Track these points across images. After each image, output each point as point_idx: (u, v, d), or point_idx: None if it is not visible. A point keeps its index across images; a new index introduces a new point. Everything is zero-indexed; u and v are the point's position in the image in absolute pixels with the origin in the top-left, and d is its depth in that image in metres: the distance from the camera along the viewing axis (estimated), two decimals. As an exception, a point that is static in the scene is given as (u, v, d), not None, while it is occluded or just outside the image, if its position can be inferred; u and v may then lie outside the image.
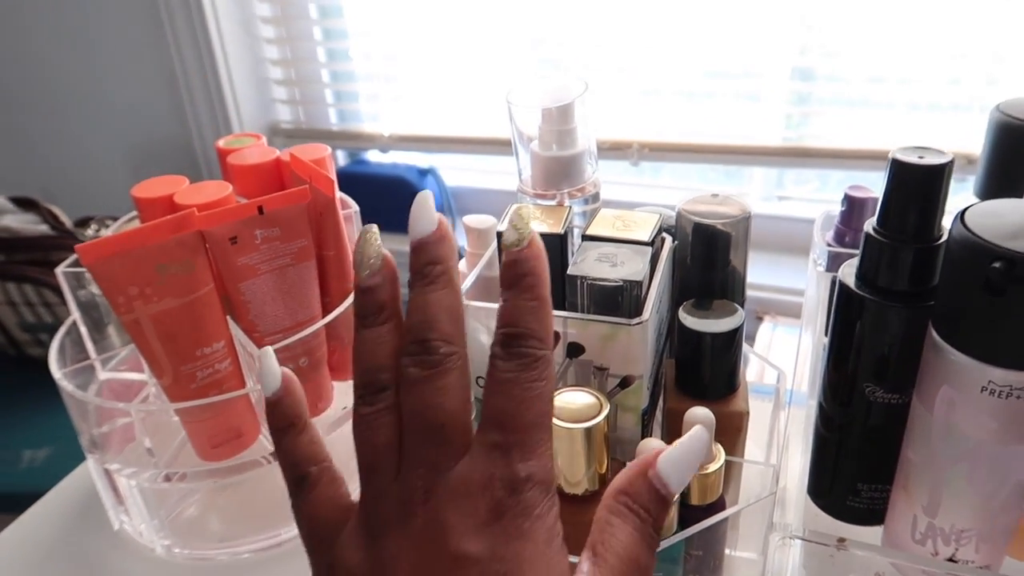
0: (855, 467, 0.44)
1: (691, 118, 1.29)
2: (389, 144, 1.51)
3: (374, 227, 0.31)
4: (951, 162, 0.36)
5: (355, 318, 0.30)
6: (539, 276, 0.28)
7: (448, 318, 0.28)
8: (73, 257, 0.57)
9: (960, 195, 0.38)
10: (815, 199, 1.31)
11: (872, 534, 0.45)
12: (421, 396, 0.27)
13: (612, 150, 1.28)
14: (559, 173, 0.53)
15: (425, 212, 0.30)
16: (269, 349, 0.32)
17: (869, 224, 0.39)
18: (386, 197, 1.46)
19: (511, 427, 0.27)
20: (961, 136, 1.13)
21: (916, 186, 0.37)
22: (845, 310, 0.41)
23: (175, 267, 0.47)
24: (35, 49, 1.64)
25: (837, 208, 0.56)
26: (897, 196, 0.37)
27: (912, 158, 0.37)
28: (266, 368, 0.31)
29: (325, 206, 0.52)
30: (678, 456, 0.28)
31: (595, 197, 0.55)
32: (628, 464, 0.29)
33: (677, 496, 0.41)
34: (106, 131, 1.68)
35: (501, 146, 1.42)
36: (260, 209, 0.48)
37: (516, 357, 0.27)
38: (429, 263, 0.29)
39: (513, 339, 0.28)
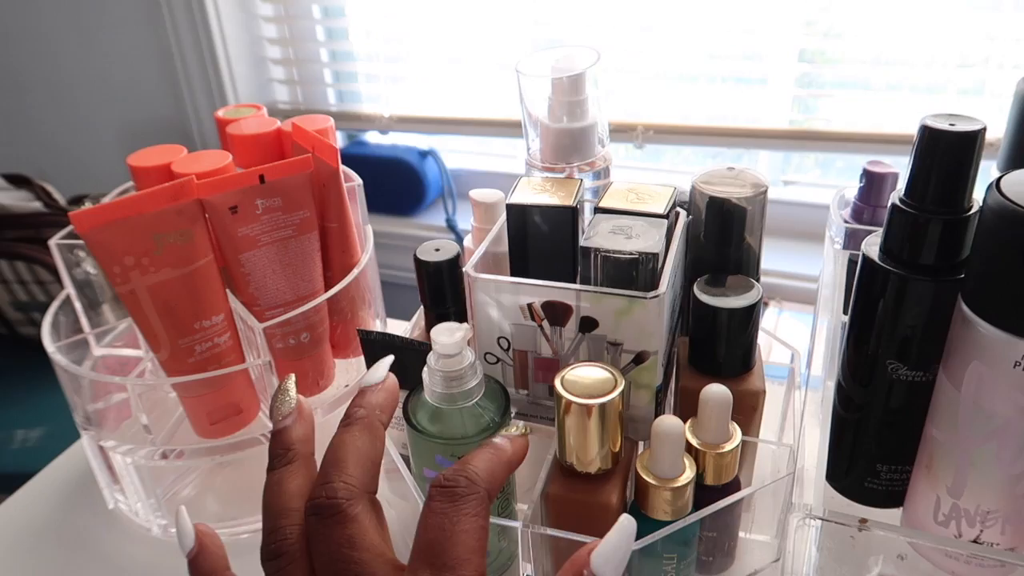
0: (875, 448, 0.42)
1: (697, 101, 1.27)
2: (389, 125, 1.48)
3: (291, 378, 0.34)
4: (984, 129, 0.35)
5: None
6: (511, 450, 0.32)
7: (357, 461, 0.30)
8: (67, 229, 0.56)
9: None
10: (820, 184, 1.29)
11: (889, 517, 0.44)
12: (328, 549, 0.28)
13: (617, 132, 1.26)
14: (569, 146, 0.51)
15: (380, 369, 0.34)
16: (182, 509, 0.32)
17: (895, 195, 0.38)
18: (386, 179, 1.45)
19: (440, 563, 0.27)
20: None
21: (947, 154, 0.35)
22: (869, 285, 0.39)
23: (173, 236, 0.45)
24: (30, 26, 1.61)
25: (844, 192, 0.55)
26: (927, 165, 0.36)
27: (943, 125, 0.35)
28: (179, 527, 0.32)
29: (328, 177, 0.50)
30: (610, 550, 0.29)
31: (605, 172, 0.53)
32: (562, 567, 0.30)
33: (692, 476, 0.40)
34: (101, 111, 1.65)
35: (503, 127, 1.40)
36: (261, 178, 0.47)
37: (448, 489, 0.29)
38: (358, 406, 0.32)
39: (453, 473, 0.30)
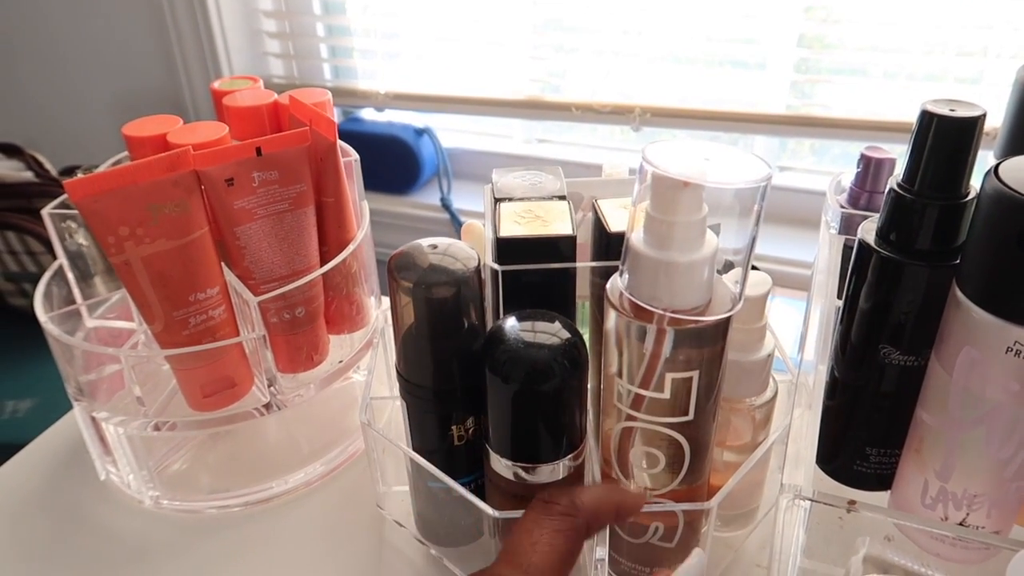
0: (865, 431, 0.43)
1: (695, 84, 1.27)
2: (385, 102, 1.48)
3: None
4: (984, 115, 0.35)
5: None
6: (624, 496, 0.35)
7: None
8: (60, 198, 0.55)
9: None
10: (815, 170, 1.30)
11: (877, 500, 0.44)
12: None
13: (614, 114, 1.26)
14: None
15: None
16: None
17: (893, 180, 0.38)
18: (381, 156, 1.44)
19: (516, 563, 0.29)
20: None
21: (947, 140, 0.35)
22: (864, 270, 0.40)
23: (169, 207, 0.45)
24: (20, -7, 1.58)
25: (841, 177, 0.54)
26: (926, 150, 0.36)
27: (944, 110, 0.35)
28: None
29: (326, 151, 0.50)
30: None
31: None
32: None
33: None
34: (93, 82, 1.63)
35: (499, 107, 1.40)
36: (258, 150, 0.46)
37: (549, 504, 0.31)
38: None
39: (560, 493, 0.31)
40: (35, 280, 0.55)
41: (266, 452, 0.58)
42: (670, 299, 0.33)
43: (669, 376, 0.35)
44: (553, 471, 0.39)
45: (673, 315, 0.33)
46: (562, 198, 0.46)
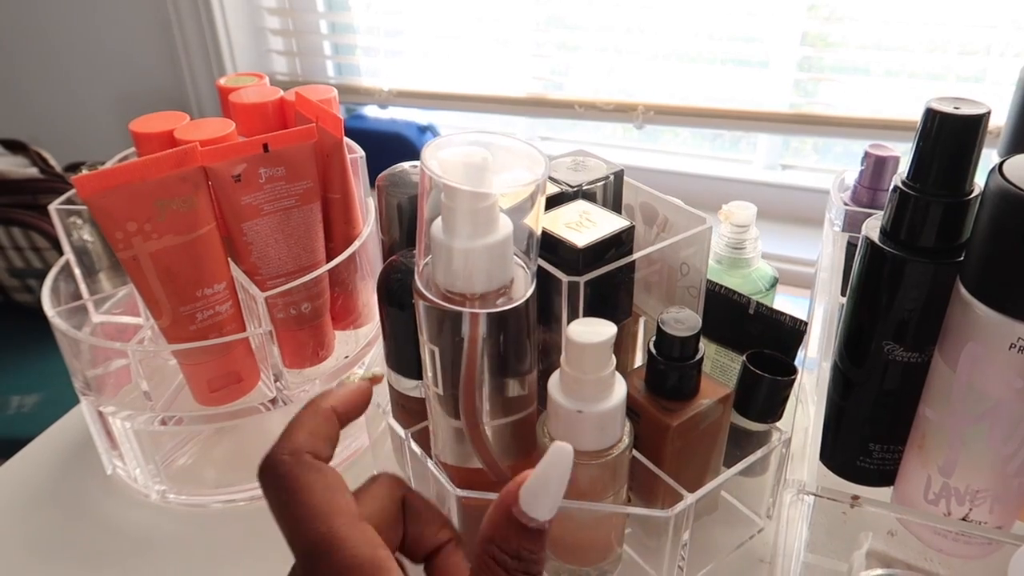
0: (868, 427, 0.43)
1: (698, 82, 1.27)
2: (388, 99, 1.48)
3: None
4: (988, 113, 0.35)
5: None
6: (352, 385, 0.34)
7: None
8: (67, 194, 0.56)
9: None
10: (818, 168, 1.30)
11: (880, 496, 0.45)
12: None
13: (617, 112, 1.26)
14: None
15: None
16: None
17: (898, 177, 0.38)
18: (384, 154, 1.44)
19: (285, 435, 0.30)
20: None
21: (951, 137, 0.36)
22: (868, 267, 0.40)
23: (176, 203, 0.45)
24: (24, -10, 1.59)
25: (844, 175, 0.55)
26: (930, 147, 0.36)
27: (948, 108, 0.35)
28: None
29: (332, 147, 0.50)
30: (539, 485, 0.25)
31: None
32: (491, 506, 0.26)
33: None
34: (97, 79, 1.63)
35: (501, 104, 1.40)
36: (265, 147, 0.47)
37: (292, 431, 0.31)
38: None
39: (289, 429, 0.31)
40: (40, 276, 0.55)
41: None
42: (431, 274, 0.34)
43: (423, 339, 0.36)
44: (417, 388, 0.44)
45: (423, 290, 0.34)
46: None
